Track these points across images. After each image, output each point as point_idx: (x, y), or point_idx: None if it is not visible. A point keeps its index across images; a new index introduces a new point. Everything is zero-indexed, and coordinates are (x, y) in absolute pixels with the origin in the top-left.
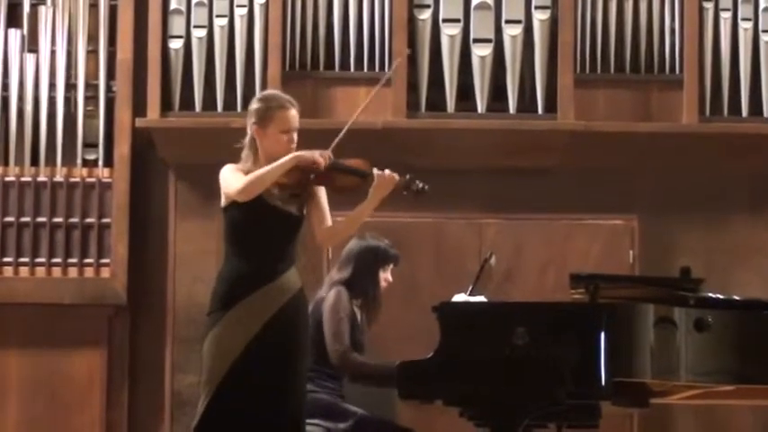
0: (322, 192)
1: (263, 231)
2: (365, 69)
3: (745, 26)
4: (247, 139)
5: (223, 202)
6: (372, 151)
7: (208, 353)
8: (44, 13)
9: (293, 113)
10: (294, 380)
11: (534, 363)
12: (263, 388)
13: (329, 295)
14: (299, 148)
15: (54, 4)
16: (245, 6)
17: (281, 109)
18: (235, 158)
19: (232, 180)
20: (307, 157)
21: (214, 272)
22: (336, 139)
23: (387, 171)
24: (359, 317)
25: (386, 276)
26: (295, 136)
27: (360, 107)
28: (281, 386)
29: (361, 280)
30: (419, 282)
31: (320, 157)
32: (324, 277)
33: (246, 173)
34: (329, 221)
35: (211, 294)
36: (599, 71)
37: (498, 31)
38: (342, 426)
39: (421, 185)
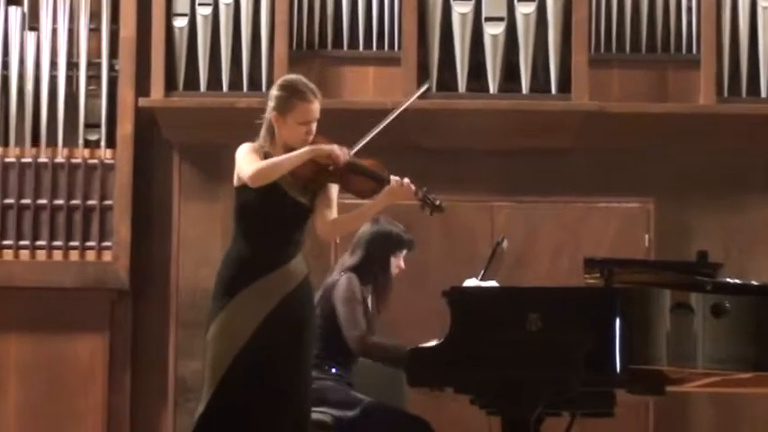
0: (334, 186)
1: (273, 216)
2: (374, 48)
3: (764, 4)
4: (266, 120)
5: (236, 181)
6: (382, 132)
7: (213, 339)
8: None
9: (315, 106)
10: (300, 368)
11: (547, 349)
12: (270, 376)
13: (340, 281)
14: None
15: None
16: None
17: (303, 101)
18: (240, 140)
19: (245, 163)
20: (324, 151)
21: (219, 255)
22: (361, 142)
23: (406, 180)
24: (370, 303)
25: (398, 263)
26: (314, 127)
27: (387, 117)
28: (288, 375)
29: (371, 266)
30: (429, 266)
31: (338, 152)
32: (330, 264)
33: (263, 154)
34: (334, 215)
35: (216, 278)
36: (614, 50)
37: (511, 8)
38: (350, 414)
39: (437, 202)
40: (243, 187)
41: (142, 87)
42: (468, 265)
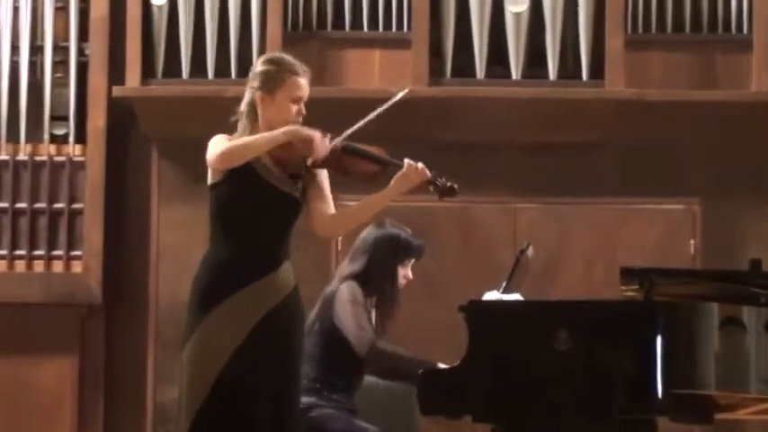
0: (324, 174)
1: (255, 211)
2: (380, 28)
3: None
4: (244, 106)
5: (210, 178)
6: (389, 124)
7: (189, 361)
8: None
9: (306, 82)
10: (289, 391)
11: (579, 372)
12: (255, 401)
13: (340, 289)
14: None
15: None
16: None
17: (295, 74)
18: (229, 132)
19: (216, 147)
20: (303, 134)
21: None
22: (354, 128)
23: (420, 164)
24: (373, 317)
25: (405, 273)
26: (303, 109)
27: (377, 109)
28: (275, 399)
29: (376, 275)
30: (443, 277)
31: (319, 141)
32: (332, 273)
33: None
34: (331, 209)
35: (192, 288)
36: (653, 30)
37: None
38: None
39: (449, 184)
40: (218, 183)
41: (116, 74)
42: (487, 275)
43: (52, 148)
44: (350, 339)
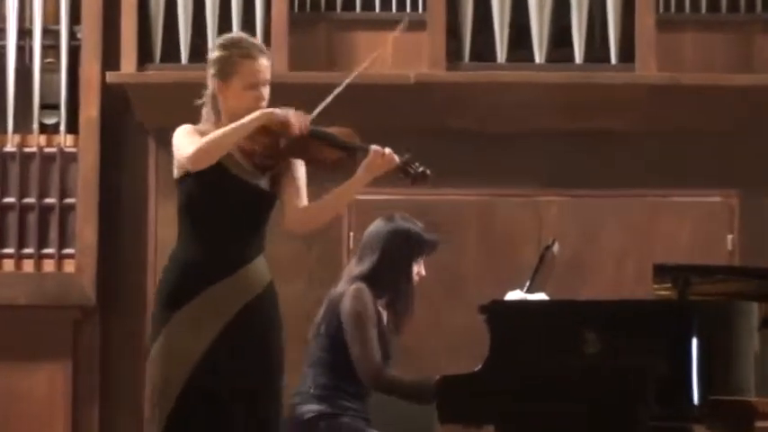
0: (299, 164)
1: (225, 209)
2: (394, 9)
3: None
4: (207, 96)
5: (175, 171)
6: (403, 111)
7: (155, 365)
8: None
9: (263, 63)
10: (268, 387)
11: (608, 376)
12: (230, 399)
13: (347, 293)
14: (313, 108)
15: None
16: None
17: (247, 58)
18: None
19: (185, 144)
20: (278, 116)
21: None
22: (323, 104)
23: (388, 150)
24: (384, 320)
25: (418, 269)
26: (266, 92)
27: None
28: (252, 395)
29: (387, 273)
30: (463, 275)
31: (295, 118)
32: (343, 270)
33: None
34: (304, 201)
35: (158, 286)
36: (687, 10)
37: None
38: None
39: (421, 169)
40: (184, 177)
41: (110, 59)
42: (510, 273)
43: (42, 139)
44: (354, 365)
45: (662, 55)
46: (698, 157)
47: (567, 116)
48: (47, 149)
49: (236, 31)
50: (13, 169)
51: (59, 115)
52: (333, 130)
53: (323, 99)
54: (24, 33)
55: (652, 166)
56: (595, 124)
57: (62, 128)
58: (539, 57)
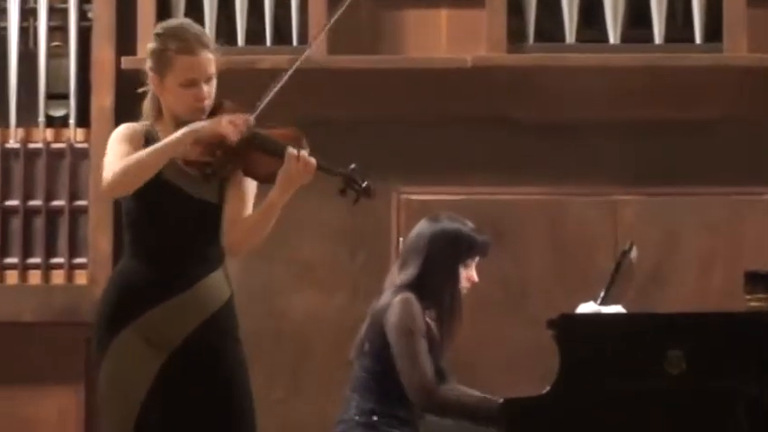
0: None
1: (167, 222)
2: None
3: None
4: (149, 87)
5: None
6: (459, 98)
7: (103, 399)
8: None
9: (203, 57)
10: (230, 417)
11: (695, 400)
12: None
13: (393, 305)
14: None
15: None
16: None
17: (183, 53)
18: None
19: (109, 159)
20: (206, 130)
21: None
22: (266, 99)
23: (303, 152)
24: (435, 334)
25: (469, 274)
26: (207, 88)
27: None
28: (212, 419)
29: (433, 279)
30: (528, 285)
31: (227, 128)
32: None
33: (142, 138)
34: (246, 214)
35: (97, 308)
36: None
37: None
38: None
39: (365, 184)
40: None
41: (126, 42)
42: (582, 283)
43: (49, 133)
44: (403, 383)
45: (753, 34)
46: None
47: (644, 104)
48: (54, 145)
49: (238, 6)
50: (17, 168)
51: (68, 106)
52: (273, 130)
53: (367, 85)
54: (27, 13)
55: (741, 160)
56: (677, 113)
57: (71, 120)
58: (613, 37)
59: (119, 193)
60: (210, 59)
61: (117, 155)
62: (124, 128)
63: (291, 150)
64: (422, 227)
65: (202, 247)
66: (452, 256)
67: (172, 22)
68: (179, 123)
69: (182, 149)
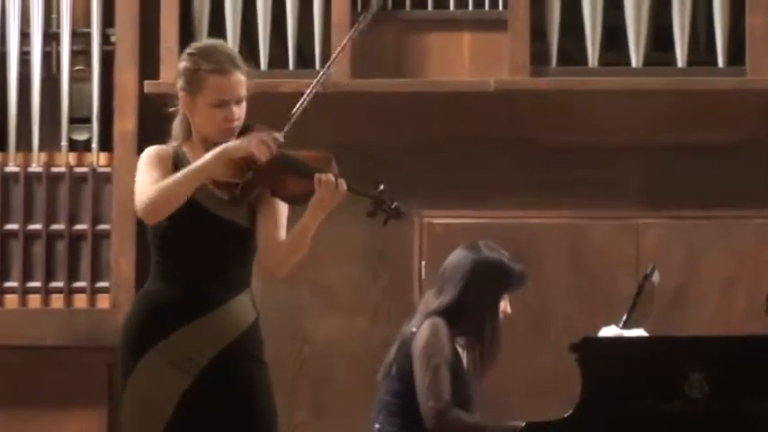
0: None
1: (196, 244)
2: (470, 7)
3: None
4: (179, 107)
5: None
6: (482, 122)
7: (127, 418)
8: None
9: (234, 80)
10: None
11: (717, 423)
12: None
13: (421, 329)
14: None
15: None
16: None
17: (215, 73)
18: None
19: (140, 186)
20: (238, 149)
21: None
22: (292, 120)
23: (330, 176)
24: (464, 360)
25: (504, 306)
26: (237, 109)
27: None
28: None
29: (470, 310)
30: (550, 309)
31: (257, 148)
32: (414, 303)
33: (171, 161)
34: (280, 237)
35: (122, 330)
36: None
37: None
38: None
39: (395, 205)
40: None
41: (148, 67)
42: (604, 306)
43: (71, 158)
44: (420, 405)
45: None
46: None
47: (667, 127)
48: (77, 169)
49: (261, 30)
50: (40, 192)
51: (91, 130)
52: (307, 154)
53: (390, 108)
54: (51, 37)
55: (764, 183)
56: (700, 136)
57: (94, 145)
58: (635, 61)
59: (154, 219)
60: (242, 81)
61: (149, 180)
62: (153, 150)
63: (322, 174)
64: (460, 255)
65: (230, 270)
66: (495, 288)
67: (204, 42)
68: (208, 144)
69: (214, 171)
